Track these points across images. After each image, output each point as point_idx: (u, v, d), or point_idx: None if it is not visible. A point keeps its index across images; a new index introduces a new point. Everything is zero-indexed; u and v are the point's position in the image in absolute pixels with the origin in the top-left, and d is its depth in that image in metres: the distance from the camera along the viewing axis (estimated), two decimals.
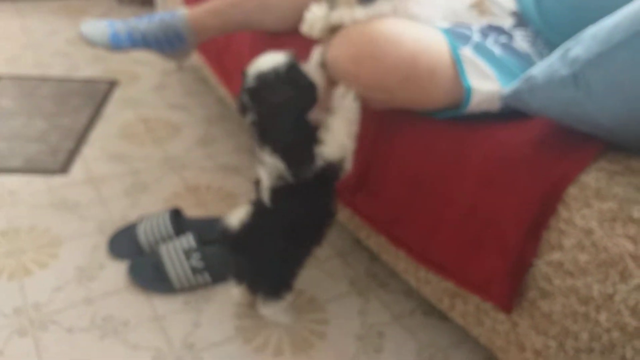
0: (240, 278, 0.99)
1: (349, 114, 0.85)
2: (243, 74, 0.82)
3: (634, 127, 0.67)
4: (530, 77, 0.73)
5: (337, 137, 0.84)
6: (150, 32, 1.23)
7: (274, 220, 0.89)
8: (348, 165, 0.87)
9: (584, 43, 0.67)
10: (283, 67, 0.79)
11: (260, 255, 0.92)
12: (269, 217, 0.88)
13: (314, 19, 0.90)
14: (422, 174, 0.89)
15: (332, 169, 0.85)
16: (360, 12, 0.84)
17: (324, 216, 0.92)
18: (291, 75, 0.79)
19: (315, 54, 0.90)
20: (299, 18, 0.95)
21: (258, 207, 0.90)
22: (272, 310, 1.00)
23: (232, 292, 1.02)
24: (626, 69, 0.62)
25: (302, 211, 0.88)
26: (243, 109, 0.83)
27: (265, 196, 0.86)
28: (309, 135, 0.83)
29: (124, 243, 1.17)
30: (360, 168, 0.99)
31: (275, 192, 0.85)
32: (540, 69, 0.72)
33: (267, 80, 0.79)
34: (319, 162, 0.82)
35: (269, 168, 0.84)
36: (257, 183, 0.90)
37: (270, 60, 0.80)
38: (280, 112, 0.80)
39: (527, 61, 0.87)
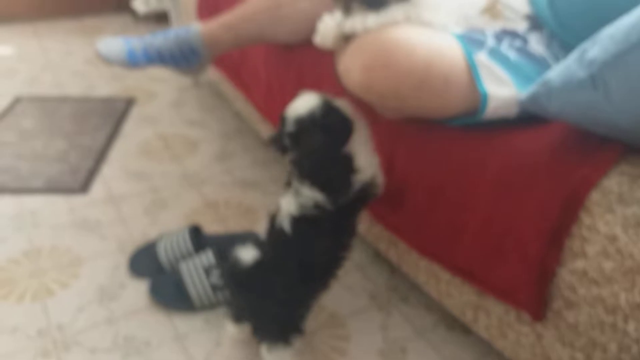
0: (241, 318, 0.94)
1: (363, 134, 0.89)
2: (281, 117, 0.87)
3: None
4: (548, 81, 0.72)
5: (363, 157, 0.88)
6: (165, 47, 1.26)
7: (291, 253, 0.88)
8: (381, 179, 0.91)
9: (601, 44, 0.67)
10: (319, 109, 0.83)
11: (272, 294, 0.89)
12: (286, 251, 0.88)
13: (327, 29, 0.91)
14: (441, 181, 0.89)
15: (369, 189, 0.89)
16: (372, 21, 0.85)
17: (341, 250, 0.92)
18: (327, 117, 0.84)
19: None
20: (311, 29, 0.97)
21: (273, 242, 0.90)
22: (278, 358, 0.94)
23: (228, 328, 0.97)
24: None
25: (323, 242, 0.89)
26: (283, 149, 0.88)
27: (287, 225, 0.87)
28: (346, 165, 0.87)
29: (145, 261, 1.19)
30: None
31: (300, 221, 0.87)
32: (557, 72, 0.72)
33: (305, 124, 0.84)
34: (357, 186, 0.87)
35: (305, 199, 0.86)
36: (272, 218, 0.91)
37: (306, 103, 0.84)
38: (320, 153, 0.84)
39: (543, 65, 0.86)
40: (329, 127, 0.84)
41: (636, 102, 0.64)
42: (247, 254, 0.89)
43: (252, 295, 0.90)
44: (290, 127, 0.85)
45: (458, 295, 0.92)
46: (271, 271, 0.88)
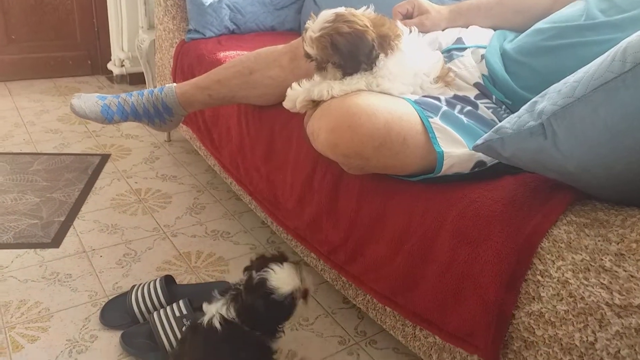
0: None
1: None
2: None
3: (598, 171, 0.69)
4: (501, 128, 0.74)
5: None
6: (140, 105, 1.24)
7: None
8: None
9: (549, 97, 0.70)
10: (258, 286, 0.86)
11: None
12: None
13: (296, 95, 0.93)
14: (403, 232, 0.89)
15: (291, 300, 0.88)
16: (337, 88, 0.87)
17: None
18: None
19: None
20: (280, 94, 0.98)
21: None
22: None
23: None
24: (587, 119, 0.65)
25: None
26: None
27: (217, 322, 0.87)
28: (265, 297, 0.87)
29: (117, 313, 1.13)
30: (344, 230, 1.00)
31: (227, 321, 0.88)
32: (510, 121, 0.74)
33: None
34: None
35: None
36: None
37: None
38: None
39: (492, 127, 0.89)
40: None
41: (581, 148, 0.67)
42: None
43: None
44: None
45: (423, 338, 0.91)
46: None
